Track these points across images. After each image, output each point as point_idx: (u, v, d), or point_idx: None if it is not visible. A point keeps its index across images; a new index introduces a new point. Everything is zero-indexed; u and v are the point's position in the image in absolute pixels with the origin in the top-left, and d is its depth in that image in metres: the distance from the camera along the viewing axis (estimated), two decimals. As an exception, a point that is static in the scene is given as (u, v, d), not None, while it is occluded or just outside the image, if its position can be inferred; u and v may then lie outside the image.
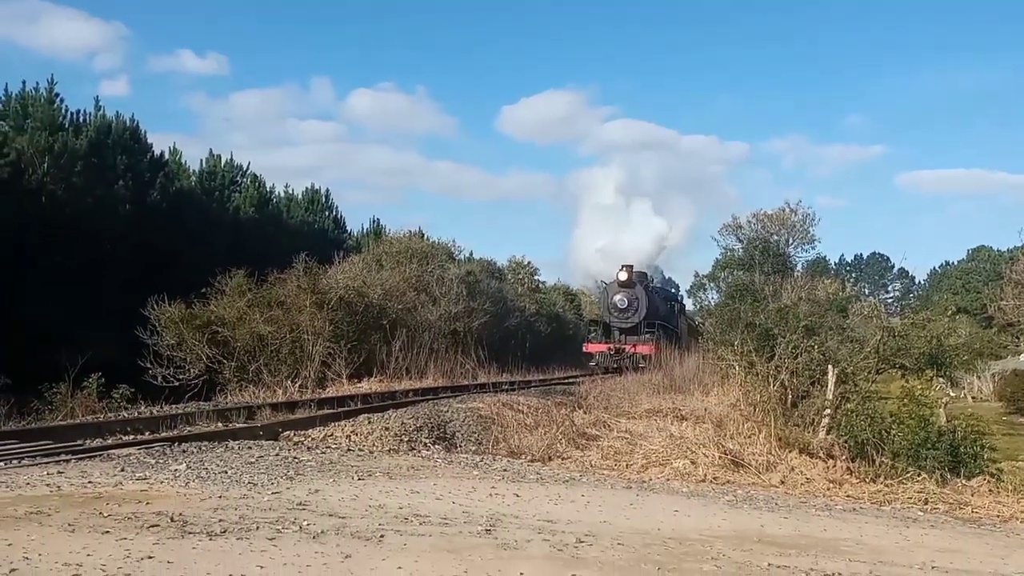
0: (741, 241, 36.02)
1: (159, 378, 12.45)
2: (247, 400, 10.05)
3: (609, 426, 10.49)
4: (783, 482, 7.78)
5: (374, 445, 6.64)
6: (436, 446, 7.51)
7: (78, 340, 17.61)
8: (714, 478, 7.34)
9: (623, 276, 23.79)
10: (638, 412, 13.22)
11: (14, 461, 4.88)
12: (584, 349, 23.60)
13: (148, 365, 13.53)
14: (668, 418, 11.37)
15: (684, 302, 33.25)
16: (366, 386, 12.85)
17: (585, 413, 11.80)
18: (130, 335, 14.31)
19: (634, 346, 22.33)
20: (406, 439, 7.22)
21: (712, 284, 38.06)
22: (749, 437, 9.73)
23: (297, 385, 12.08)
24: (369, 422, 8.00)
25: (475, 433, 8.83)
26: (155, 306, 13.65)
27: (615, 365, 21.72)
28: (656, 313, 24.09)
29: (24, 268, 20.29)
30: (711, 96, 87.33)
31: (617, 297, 23.55)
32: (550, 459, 7.63)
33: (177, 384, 12.51)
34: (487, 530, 3.78)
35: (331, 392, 11.66)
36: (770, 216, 35.22)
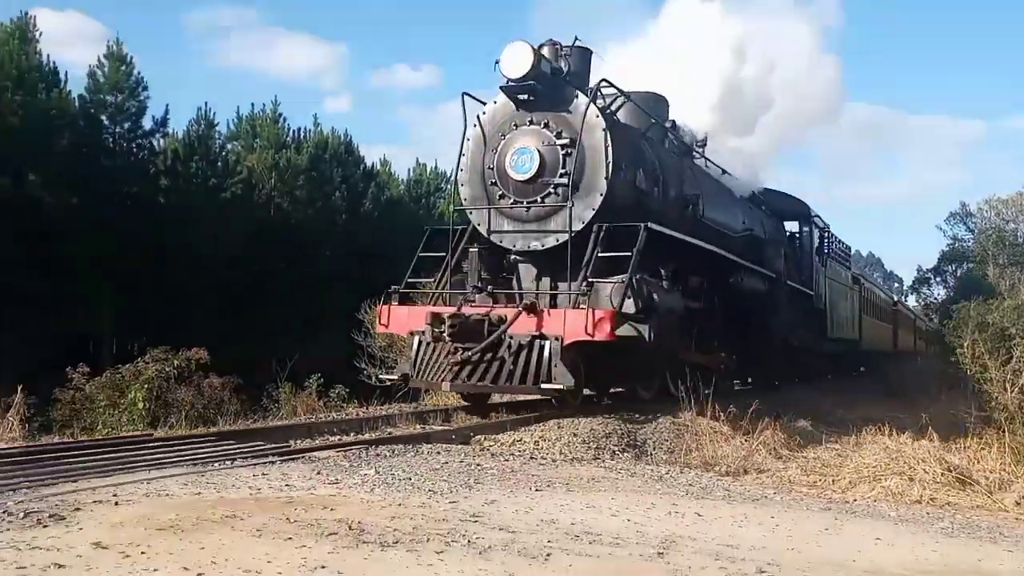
0: (971, 230, 31.66)
1: (372, 378, 13.19)
2: (444, 403, 10.39)
3: (814, 436, 9.88)
4: (1018, 503, 6.94)
5: (560, 452, 6.62)
6: (624, 455, 7.38)
7: (304, 340, 19.16)
8: (931, 499, 6.67)
9: (518, 57, 8.78)
10: (850, 420, 12.36)
11: (227, 462, 5.29)
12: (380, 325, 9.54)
13: (363, 365, 14.44)
14: (885, 427, 10.56)
15: (834, 244, 20.34)
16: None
17: (790, 421, 11.20)
18: (347, 336, 15.37)
19: (536, 314, 8.10)
20: (593, 446, 7.15)
21: (938, 279, 31.78)
22: (980, 451, 8.82)
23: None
24: (559, 427, 8.03)
25: (667, 441, 8.60)
26: (368, 309, 14.49)
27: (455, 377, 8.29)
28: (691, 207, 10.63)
29: (261, 276, 22.35)
30: (942, 71, 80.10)
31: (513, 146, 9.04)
32: (744, 472, 7.28)
33: (388, 384, 13.23)
34: (659, 553, 3.63)
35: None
36: (1005, 201, 30.71)
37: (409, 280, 9.58)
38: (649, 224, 8.64)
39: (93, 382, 11.25)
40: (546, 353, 7.93)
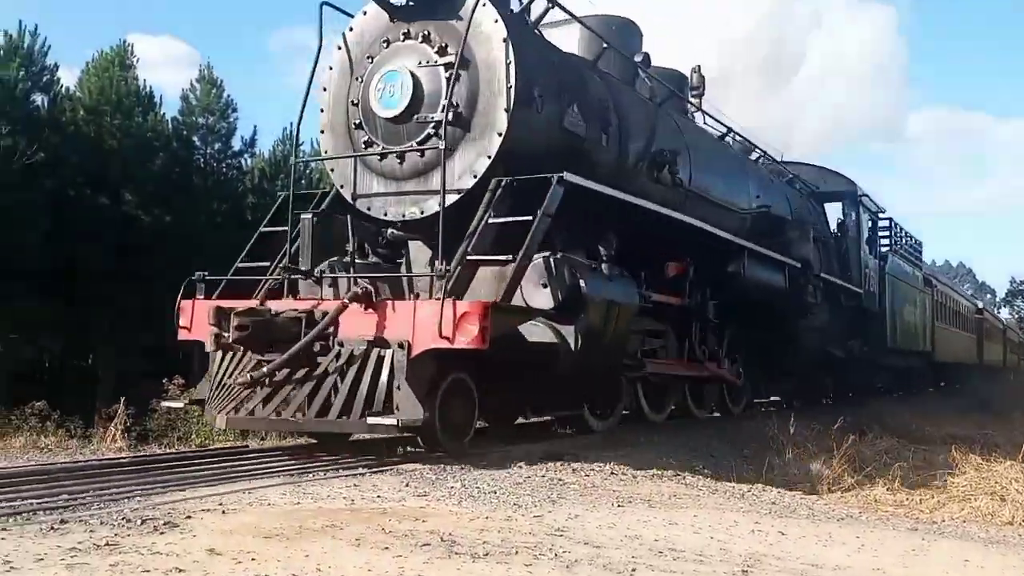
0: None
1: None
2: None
3: (902, 455, 9.68)
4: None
5: (639, 468, 6.69)
6: (706, 470, 7.40)
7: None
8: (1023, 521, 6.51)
9: None
10: (938, 438, 12.05)
11: (320, 473, 5.54)
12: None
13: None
14: (976, 446, 10.27)
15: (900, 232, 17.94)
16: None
17: (877, 438, 10.99)
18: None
19: (376, 308, 5.82)
20: (673, 460, 7.20)
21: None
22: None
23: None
24: (641, 441, 8.10)
25: (749, 457, 8.58)
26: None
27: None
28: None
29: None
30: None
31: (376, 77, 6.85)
32: (828, 491, 7.21)
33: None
34: (743, 571, 3.69)
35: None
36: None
37: (241, 265, 7.12)
38: (565, 175, 6.30)
39: (187, 393, 11.78)
40: (385, 369, 5.61)
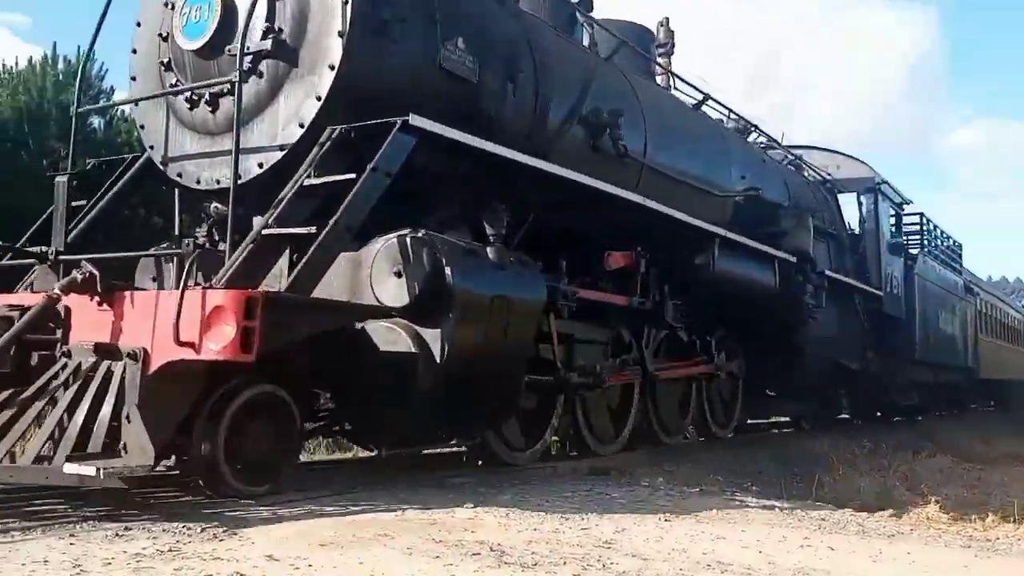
0: None
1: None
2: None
3: (956, 474, 9.51)
4: None
5: (687, 483, 6.69)
6: (753, 487, 7.36)
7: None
8: (1084, 540, 6.34)
9: None
10: (994, 456, 11.80)
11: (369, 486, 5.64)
12: None
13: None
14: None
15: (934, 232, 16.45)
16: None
17: (931, 457, 10.81)
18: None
19: (111, 302, 4.31)
20: (720, 477, 7.18)
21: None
22: None
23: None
24: (688, 457, 8.09)
25: (799, 473, 8.51)
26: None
27: None
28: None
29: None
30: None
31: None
32: (880, 508, 7.12)
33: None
34: (792, 584, 3.69)
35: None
36: None
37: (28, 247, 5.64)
38: (413, 119, 4.80)
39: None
40: (110, 393, 4.09)
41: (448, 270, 4.89)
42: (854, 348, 12.07)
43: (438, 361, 4.83)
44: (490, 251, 5.35)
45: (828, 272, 10.56)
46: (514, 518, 4.70)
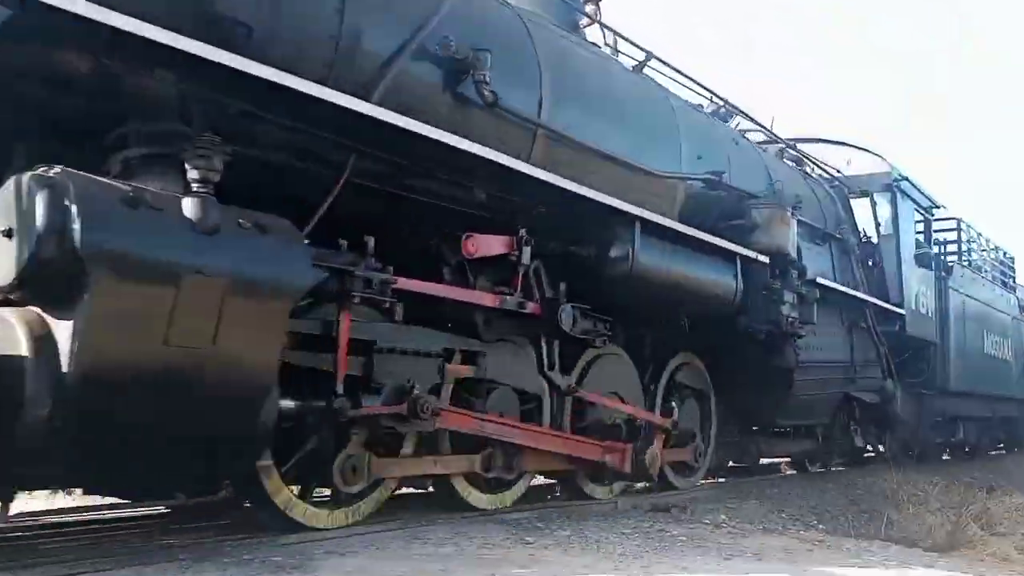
0: None
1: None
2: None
3: (1033, 510, 9.15)
4: None
5: (748, 521, 6.60)
6: (819, 525, 7.22)
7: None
8: None
9: None
10: (1077, 494, 11.31)
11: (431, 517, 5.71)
12: None
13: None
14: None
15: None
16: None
17: (1008, 495, 10.42)
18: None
19: None
20: (783, 514, 7.06)
21: None
22: None
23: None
24: (751, 493, 7.97)
25: (866, 511, 8.30)
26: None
27: None
28: None
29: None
30: None
31: None
32: (952, 548, 6.89)
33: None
34: (855, 626, 3.62)
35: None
36: None
37: None
38: None
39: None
40: None
41: (77, 225, 3.15)
42: (869, 376, 10.04)
43: (66, 370, 3.17)
44: (187, 204, 3.52)
45: (822, 280, 8.58)
46: (573, 554, 4.72)
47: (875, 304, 10.19)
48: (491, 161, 5.08)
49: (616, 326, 6.65)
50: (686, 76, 8.16)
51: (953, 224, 13.77)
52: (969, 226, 14.13)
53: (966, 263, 13.63)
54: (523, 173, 5.30)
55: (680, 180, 7.18)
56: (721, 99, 8.98)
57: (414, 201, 5.14)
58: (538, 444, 6.06)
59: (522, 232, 5.61)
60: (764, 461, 10.87)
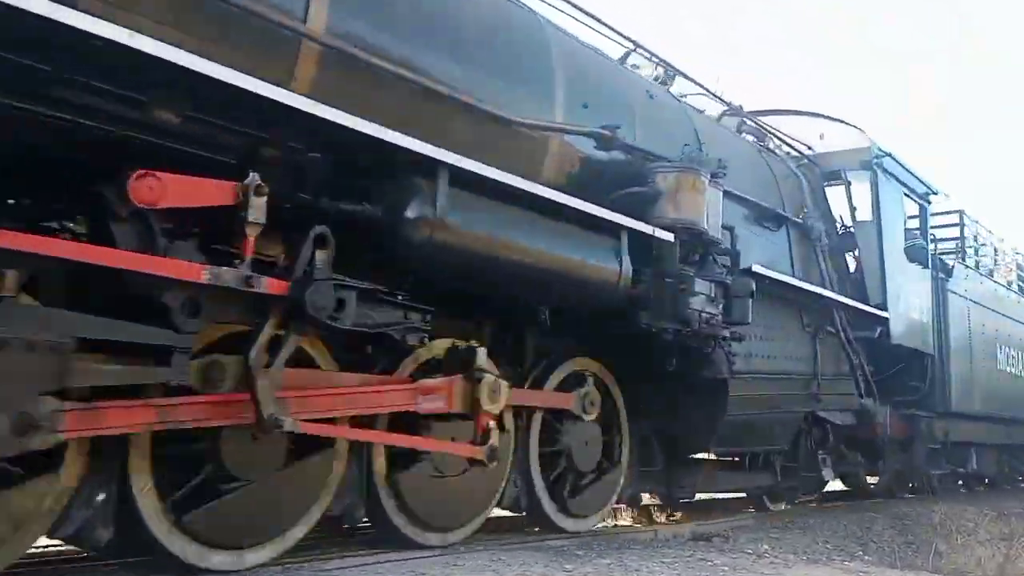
0: None
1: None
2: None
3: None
4: None
5: (791, 551, 6.47)
6: (865, 556, 7.05)
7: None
8: None
9: None
10: None
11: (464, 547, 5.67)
12: None
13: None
14: None
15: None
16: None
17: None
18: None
19: None
20: (828, 544, 6.91)
21: None
22: None
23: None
24: (794, 522, 7.81)
25: (914, 541, 8.10)
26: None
27: None
28: None
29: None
30: None
31: None
32: (1004, 580, 6.69)
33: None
34: (907, 661, 3.51)
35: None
36: None
37: None
38: None
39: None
40: None
41: None
42: (840, 393, 8.27)
43: None
44: None
45: (761, 270, 6.80)
46: (617, 584, 4.65)
47: (847, 305, 8.27)
48: (173, 64, 3.29)
49: (484, 325, 5.43)
50: (597, 19, 6.65)
51: (954, 217, 11.71)
52: (976, 221, 12.16)
53: (972, 263, 11.81)
54: (225, 84, 3.47)
55: (552, 132, 5.43)
56: (659, 59, 7.40)
57: (61, 123, 3.38)
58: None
59: (252, 177, 3.74)
60: (708, 496, 9.17)
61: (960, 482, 12.53)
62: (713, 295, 6.08)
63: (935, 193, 10.45)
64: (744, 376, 6.76)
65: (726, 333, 6.20)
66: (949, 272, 10.72)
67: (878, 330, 8.84)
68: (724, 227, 6.33)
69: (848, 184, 9.21)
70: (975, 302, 11.14)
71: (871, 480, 11.18)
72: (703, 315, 5.93)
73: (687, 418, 6.86)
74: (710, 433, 6.89)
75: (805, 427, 8.21)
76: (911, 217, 10.22)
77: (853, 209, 9.28)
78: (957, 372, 10.37)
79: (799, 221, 8.14)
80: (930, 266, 10.13)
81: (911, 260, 9.59)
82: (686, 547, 6.13)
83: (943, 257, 11.06)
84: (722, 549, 6.15)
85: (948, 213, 11.71)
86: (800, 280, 7.72)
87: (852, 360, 8.51)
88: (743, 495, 9.32)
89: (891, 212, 9.33)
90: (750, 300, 6.35)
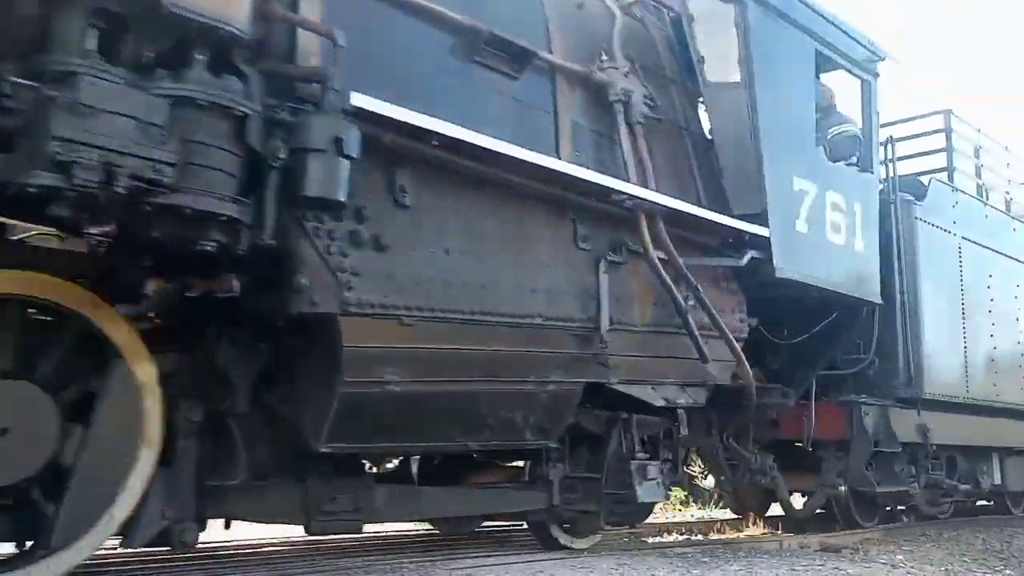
0: None
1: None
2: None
3: None
4: None
5: (928, 563, 6.25)
6: (1006, 571, 6.73)
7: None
8: None
9: None
10: None
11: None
12: None
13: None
14: None
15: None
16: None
17: None
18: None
19: None
20: (966, 558, 6.62)
21: None
22: None
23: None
24: (927, 536, 7.51)
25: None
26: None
27: None
28: None
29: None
30: None
31: None
32: None
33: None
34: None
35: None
36: None
37: None
38: None
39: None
40: None
41: None
42: (671, 357, 5.20)
43: None
44: None
45: (381, 106, 3.51)
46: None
47: (662, 206, 4.87)
48: None
49: None
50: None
51: (938, 121, 8.27)
52: (978, 129, 8.58)
53: (975, 189, 8.52)
54: None
55: None
56: None
57: None
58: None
59: None
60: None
61: (971, 500, 9.01)
62: (270, 142, 3.17)
63: (881, 59, 6.73)
64: (397, 313, 3.78)
65: (234, 210, 3.01)
66: (921, 192, 7.48)
67: (747, 254, 5.44)
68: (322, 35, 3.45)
69: (691, 21, 5.79)
70: (974, 242, 7.87)
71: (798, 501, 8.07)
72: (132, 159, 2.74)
73: (301, 399, 3.91)
74: (326, 418, 3.70)
75: (606, 415, 5.14)
76: (858, 103, 6.82)
77: (700, 61, 5.76)
78: (938, 339, 7.25)
79: (577, 69, 4.88)
80: (875, 173, 6.74)
81: (836, 158, 6.41)
82: (816, 557, 6.02)
83: (918, 176, 7.92)
84: (854, 560, 6.00)
85: (928, 116, 8.38)
86: (550, 158, 4.35)
87: (681, 300, 5.00)
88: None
89: (778, 70, 5.80)
90: (341, 161, 3.22)
